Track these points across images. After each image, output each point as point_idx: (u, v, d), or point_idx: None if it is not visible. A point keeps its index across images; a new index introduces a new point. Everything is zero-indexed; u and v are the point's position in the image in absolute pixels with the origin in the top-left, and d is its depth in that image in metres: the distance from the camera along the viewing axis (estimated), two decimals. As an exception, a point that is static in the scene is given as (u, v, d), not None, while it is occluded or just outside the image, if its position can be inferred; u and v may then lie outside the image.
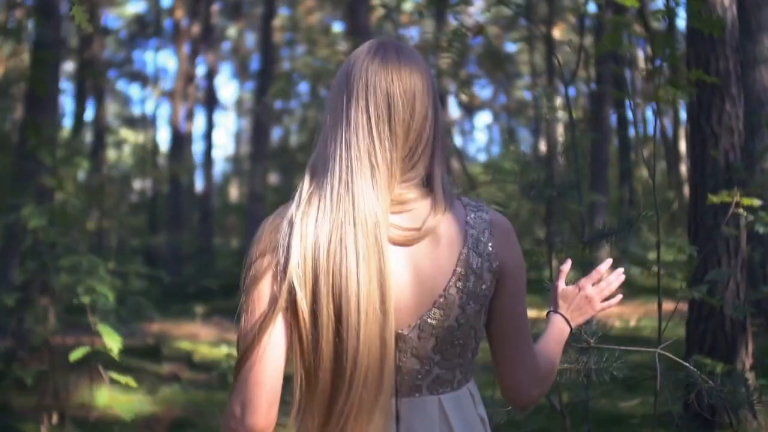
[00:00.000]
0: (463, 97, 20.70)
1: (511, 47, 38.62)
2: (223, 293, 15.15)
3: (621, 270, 1.91)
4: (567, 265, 1.95)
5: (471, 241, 1.54)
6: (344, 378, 1.41)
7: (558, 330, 1.83)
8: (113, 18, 34.10)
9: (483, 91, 38.75)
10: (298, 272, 1.42)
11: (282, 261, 1.45)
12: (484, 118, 45.79)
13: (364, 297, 1.41)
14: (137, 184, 28.94)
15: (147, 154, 26.66)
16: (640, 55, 19.48)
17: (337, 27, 32.67)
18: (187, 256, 18.29)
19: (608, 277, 1.90)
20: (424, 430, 1.52)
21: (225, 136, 60.06)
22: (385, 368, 1.42)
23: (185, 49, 17.46)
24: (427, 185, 1.55)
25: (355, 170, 1.46)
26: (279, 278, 1.44)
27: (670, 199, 16.64)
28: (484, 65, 37.03)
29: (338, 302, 1.42)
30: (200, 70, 21.95)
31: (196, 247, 18.48)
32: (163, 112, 53.35)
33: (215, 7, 23.10)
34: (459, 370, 1.58)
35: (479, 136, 48.94)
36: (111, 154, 34.80)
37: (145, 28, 28.59)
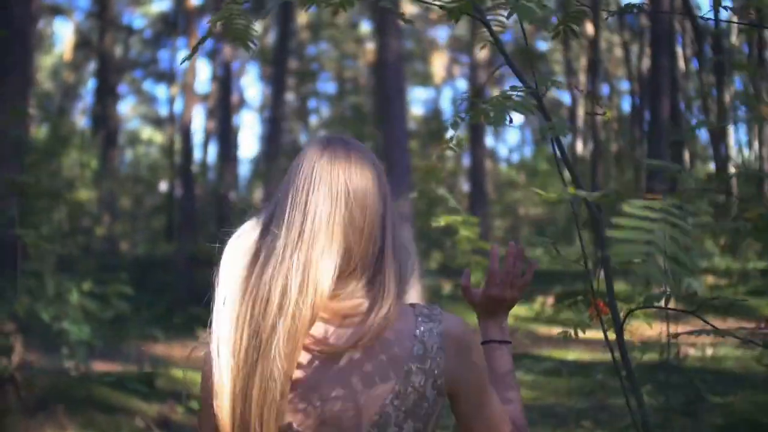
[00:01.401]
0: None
1: (543, 45, 37.43)
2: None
3: (513, 244, 1.76)
4: (496, 250, 1.78)
5: (416, 356, 1.42)
6: None
7: (503, 364, 1.72)
8: (138, 17, 33.21)
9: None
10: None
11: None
12: (515, 118, 44.03)
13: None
14: (163, 186, 27.81)
15: (167, 154, 25.44)
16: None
17: (366, 25, 31.64)
18: (204, 263, 16.96)
19: (508, 261, 1.75)
20: None
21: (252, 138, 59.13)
22: None
23: (197, 35, 16.03)
24: (373, 289, 1.44)
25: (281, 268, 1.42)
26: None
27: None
28: (515, 64, 35.59)
29: None
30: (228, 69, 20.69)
31: (207, 253, 17.18)
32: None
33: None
34: None
35: (511, 137, 47.30)
36: (128, 153, 33.83)
37: (170, 27, 27.43)
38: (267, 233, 1.46)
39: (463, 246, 4.06)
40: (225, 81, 19.70)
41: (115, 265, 18.26)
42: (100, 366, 8.74)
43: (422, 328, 1.44)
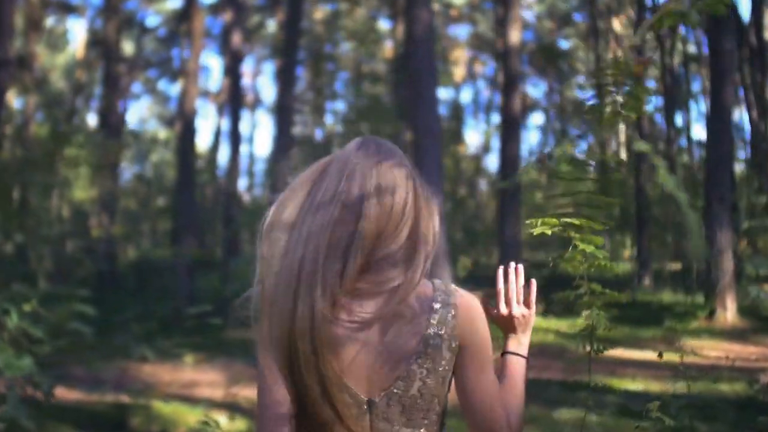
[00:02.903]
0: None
1: (565, 44, 35.79)
2: (234, 319, 12.15)
3: (513, 265, 1.93)
4: (500, 271, 1.94)
5: (434, 323, 1.63)
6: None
7: (513, 374, 1.88)
8: (151, 14, 31.81)
9: (535, 89, 35.74)
10: None
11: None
12: (536, 118, 42.44)
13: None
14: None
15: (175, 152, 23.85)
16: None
17: (384, 24, 30.08)
18: (208, 267, 15.29)
19: (510, 280, 1.92)
20: None
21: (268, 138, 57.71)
22: None
23: (203, 23, 14.27)
24: (403, 268, 1.63)
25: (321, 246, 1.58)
26: None
27: None
28: (537, 62, 34.00)
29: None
30: (245, 69, 19.05)
31: (207, 258, 15.55)
32: (206, 112, 51.07)
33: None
34: (424, 428, 1.66)
35: (532, 137, 45.58)
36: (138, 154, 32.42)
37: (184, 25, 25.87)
38: (305, 209, 1.63)
39: (575, 266, 2.51)
40: (234, 71, 18.00)
41: (112, 271, 16.96)
42: (71, 394, 7.15)
43: (440, 299, 1.67)
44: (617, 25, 31.73)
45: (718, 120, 10.84)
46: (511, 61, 14.05)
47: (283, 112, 11.47)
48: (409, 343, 1.61)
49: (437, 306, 1.64)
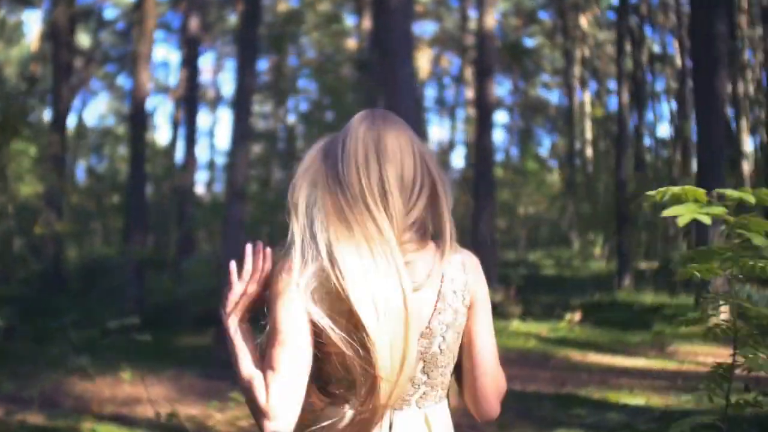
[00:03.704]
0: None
1: (531, 42, 35.15)
2: (186, 323, 11.01)
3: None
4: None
5: (447, 279, 1.68)
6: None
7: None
8: (109, 7, 30.45)
9: (500, 87, 34.90)
10: None
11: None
12: (500, 116, 41.63)
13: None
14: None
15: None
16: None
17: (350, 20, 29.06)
18: (161, 268, 14.09)
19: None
20: None
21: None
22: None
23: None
24: (422, 231, 1.68)
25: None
26: None
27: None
28: (502, 60, 33.24)
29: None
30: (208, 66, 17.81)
31: (161, 258, 14.36)
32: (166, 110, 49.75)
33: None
34: (440, 387, 1.72)
35: (497, 135, 44.78)
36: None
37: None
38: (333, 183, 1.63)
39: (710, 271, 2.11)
40: (191, 60, 16.74)
41: (57, 272, 15.69)
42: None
43: (451, 259, 1.70)
44: (584, 22, 31.15)
45: (709, 111, 9.96)
46: (486, 46, 13.08)
47: (240, 100, 10.29)
48: (429, 300, 1.65)
49: (449, 263, 1.69)
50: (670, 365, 8.38)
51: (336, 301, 1.53)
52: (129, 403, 7.03)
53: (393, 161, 1.62)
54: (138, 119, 12.85)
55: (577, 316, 11.28)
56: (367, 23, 23.35)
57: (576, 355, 9.28)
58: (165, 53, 79.23)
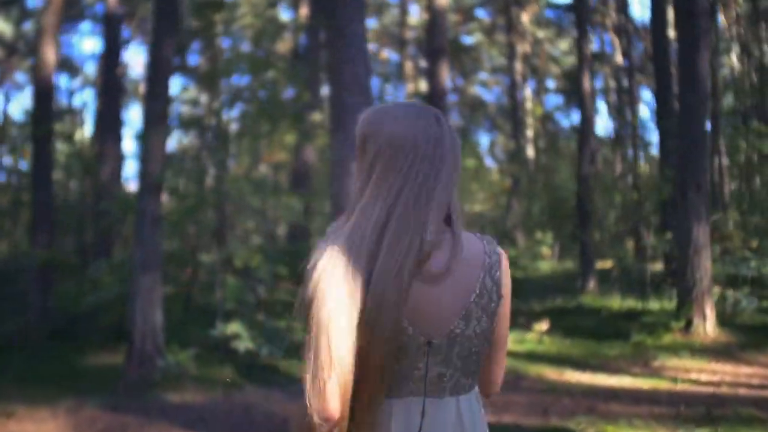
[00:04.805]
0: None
1: (469, 39, 34.20)
2: (95, 336, 9.36)
3: None
4: None
5: (487, 267, 1.70)
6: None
7: None
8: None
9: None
10: None
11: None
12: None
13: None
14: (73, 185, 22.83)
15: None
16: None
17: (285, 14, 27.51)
18: (65, 271, 12.25)
19: None
20: (442, 426, 1.65)
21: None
22: None
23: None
24: (448, 228, 1.69)
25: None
26: None
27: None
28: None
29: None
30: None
31: (67, 262, 12.55)
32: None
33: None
34: (472, 376, 1.71)
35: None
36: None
37: (72, 10, 22.52)
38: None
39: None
40: (110, 39, 14.90)
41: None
42: None
43: (487, 249, 1.73)
44: (525, 18, 30.23)
45: (691, 93, 8.81)
46: (437, 24, 11.72)
47: (155, 75, 8.56)
48: (469, 284, 1.66)
49: (487, 251, 1.71)
50: (662, 384, 7.10)
51: None
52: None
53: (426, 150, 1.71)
54: (42, 100, 10.94)
55: (544, 325, 9.96)
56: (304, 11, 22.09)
57: (551, 373, 7.92)
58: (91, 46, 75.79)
